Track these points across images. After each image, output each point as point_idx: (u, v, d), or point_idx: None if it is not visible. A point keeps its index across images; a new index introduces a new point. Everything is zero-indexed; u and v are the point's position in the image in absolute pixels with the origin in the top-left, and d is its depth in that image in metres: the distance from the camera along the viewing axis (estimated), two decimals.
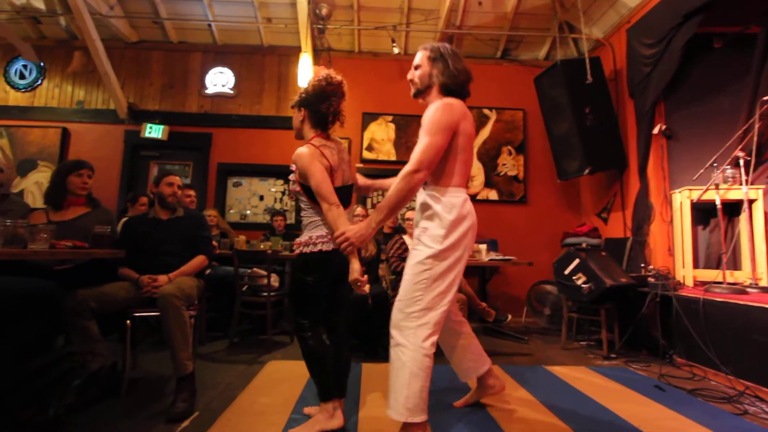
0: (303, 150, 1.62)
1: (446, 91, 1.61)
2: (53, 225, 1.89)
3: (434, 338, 1.48)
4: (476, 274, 4.08)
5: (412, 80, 1.70)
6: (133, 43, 4.86)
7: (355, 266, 1.51)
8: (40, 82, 4.82)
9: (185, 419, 1.71)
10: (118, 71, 4.64)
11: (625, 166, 4.03)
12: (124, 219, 2.76)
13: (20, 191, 4.57)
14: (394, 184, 1.51)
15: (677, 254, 3.25)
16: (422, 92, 1.68)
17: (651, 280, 2.97)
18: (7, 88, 4.81)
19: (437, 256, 1.49)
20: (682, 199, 3.20)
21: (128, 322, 2.04)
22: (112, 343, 2.30)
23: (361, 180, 1.92)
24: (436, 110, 1.53)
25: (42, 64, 4.80)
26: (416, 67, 1.68)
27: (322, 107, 1.70)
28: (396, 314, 1.52)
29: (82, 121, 4.76)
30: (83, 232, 2.04)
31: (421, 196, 1.62)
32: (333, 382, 1.65)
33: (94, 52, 4.23)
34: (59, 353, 1.68)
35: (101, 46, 4.27)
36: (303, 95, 1.75)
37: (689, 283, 3.04)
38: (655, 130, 3.59)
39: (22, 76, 4.83)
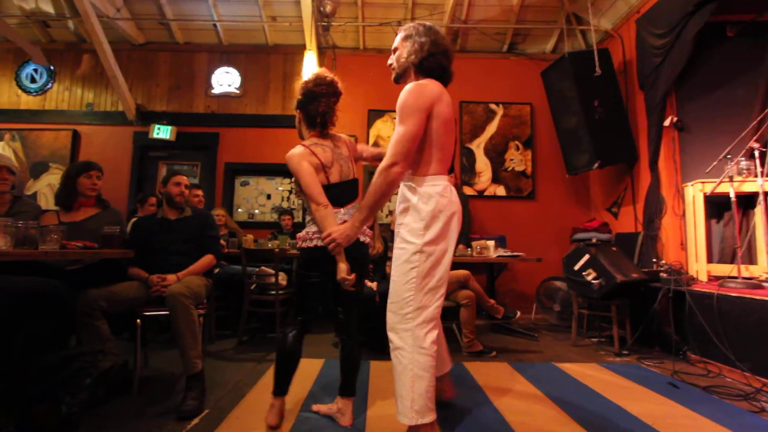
0: (292, 152, 1.66)
1: (423, 71, 1.52)
2: (63, 226, 1.91)
3: (433, 335, 1.44)
4: (484, 270, 4.05)
5: (390, 65, 1.63)
6: (140, 45, 4.90)
7: (342, 266, 1.54)
8: (50, 85, 4.89)
9: (195, 417, 1.73)
10: (125, 73, 4.69)
11: (636, 159, 3.96)
12: (134, 219, 2.79)
13: (33, 193, 4.65)
14: (372, 181, 1.46)
15: (690, 248, 3.18)
16: (401, 76, 1.59)
17: (663, 275, 2.92)
18: (19, 91, 4.89)
19: (421, 252, 1.43)
20: (695, 192, 3.14)
21: (138, 321, 2.06)
22: (123, 342, 2.34)
23: (367, 151, 1.91)
24: (406, 93, 1.44)
25: (52, 67, 4.87)
26: (394, 50, 1.62)
27: (311, 108, 1.71)
28: (390, 317, 1.48)
29: (92, 123, 4.82)
30: (93, 232, 2.07)
31: (400, 188, 1.56)
32: (289, 382, 1.71)
33: (102, 54, 4.28)
34: (71, 352, 1.70)
35: (109, 49, 4.31)
36: (298, 97, 1.77)
37: (703, 278, 2.98)
38: (666, 122, 3.52)
39: (33, 80, 4.90)
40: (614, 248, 3.26)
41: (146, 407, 1.83)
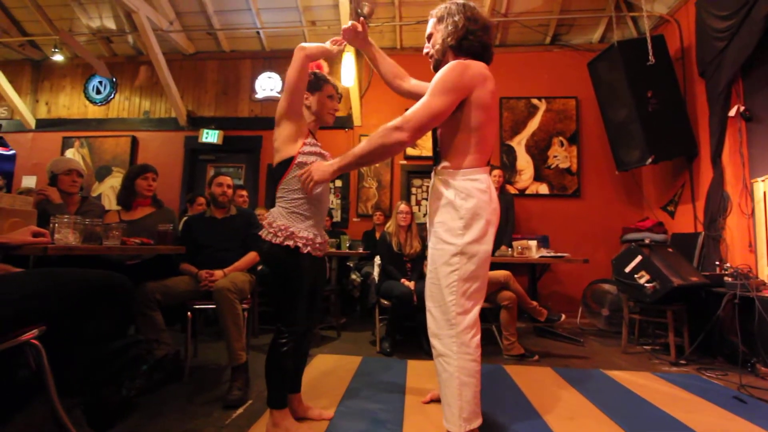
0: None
1: (463, 52, 1.41)
2: (124, 224, 2.08)
3: (477, 338, 1.36)
4: (526, 272, 3.91)
5: (428, 53, 1.52)
6: (191, 55, 5.21)
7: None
8: (113, 96, 5.33)
9: (240, 406, 1.80)
10: (177, 82, 5.00)
11: (696, 153, 3.66)
12: (185, 218, 2.97)
13: (98, 195, 5.08)
14: (370, 135, 1.35)
15: (760, 251, 2.89)
16: (441, 62, 1.45)
17: (728, 279, 2.67)
18: (87, 102, 5.37)
19: (462, 253, 1.33)
20: (766, 188, 2.85)
21: (189, 313, 2.19)
22: (175, 333, 2.49)
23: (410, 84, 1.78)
24: (448, 68, 1.33)
25: (114, 79, 5.30)
26: (428, 37, 1.52)
27: (325, 103, 1.70)
28: (432, 322, 1.40)
29: (148, 129, 5.20)
30: (149, 230, 2.23)
31: (433, 182, 1.45)
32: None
33: (157, 65, 4.59)
34: (130, 340, 1.84)
35: (163, 60, 4.62)
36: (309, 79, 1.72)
37: None
38: (732, 112, 3.22)
39: (98, 92, 5.37)
40: (670, 249, 3.03)
41: (195, 395, 1.94)
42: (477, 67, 1.37)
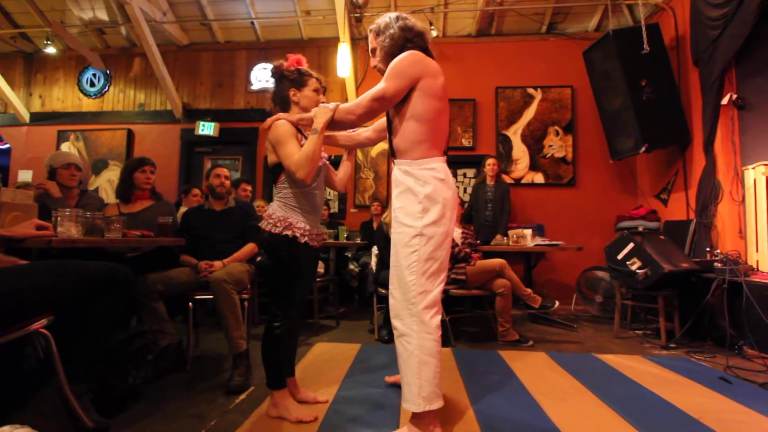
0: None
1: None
2: (124, 216, 2.11)
3: (438, 318, 1.41)
4: (521, 260, 3.98)
5: (375, 66, 1.61)
6: (185, 46, 5.17)
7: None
8: (107, 88, 5.30)
9: (242, 392, 1.86)
10: (172, 74, 4.98)
11: (689, 141, 3.70)
12: (184, 209, 2.99)
13: (95, 188, 5.09)
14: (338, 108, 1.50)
15: (750, 237, 2.96)
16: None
17: (718, 265, 2.73)
18: (81, 95, 5.33)
19: (421, 235, 1.39)
20: (757, 175, 2.90)
21: (190, 304, 2.23)
22: (177, 323, 2.54)
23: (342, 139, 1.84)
24: (401, 57, 1.43)
25: (108, 71, 5.26)
26: (372, 51, 1.60)
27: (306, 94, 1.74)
28: (393, 304, 1.45)
29: (144, 122, 5.18)
30: (148, 222, 2.26)
31: (394, 172, 1.53)
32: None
33: (151, 57, 4.56)
34: (135, 330, 1.89)
35: (157, 51, 4.59)
36: (294, 77, 1.75)
37: (764, 268, 2.76)
38: (725, 101, 3.25)
39: (92, 84, 5.33)
40: (662, 237, 3.09)
41: (198, 383, 1.99)
42: (428, 60, 1.47)
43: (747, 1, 2.94)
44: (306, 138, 1.59)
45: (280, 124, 1.58)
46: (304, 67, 1.75)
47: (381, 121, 1.76)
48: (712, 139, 3.35)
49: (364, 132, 1.84)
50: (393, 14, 1.56)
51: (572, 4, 4.43)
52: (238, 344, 2.03)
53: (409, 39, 1.50)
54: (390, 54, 1.51)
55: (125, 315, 2.02)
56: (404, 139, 1.46)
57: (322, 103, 1.64)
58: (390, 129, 1.54)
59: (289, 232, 1.57)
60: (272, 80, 1.75)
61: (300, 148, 1.53)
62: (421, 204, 1.41)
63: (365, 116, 1.47)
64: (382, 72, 1.54)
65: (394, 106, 1.48)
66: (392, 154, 1.54)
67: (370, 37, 1.60)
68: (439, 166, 1.46)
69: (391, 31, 1.51)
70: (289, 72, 1.70)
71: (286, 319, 1.60)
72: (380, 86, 1.42)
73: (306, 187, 1.62)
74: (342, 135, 1.81)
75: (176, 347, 2.18)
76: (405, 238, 1.42)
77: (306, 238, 1.61)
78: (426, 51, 1.52)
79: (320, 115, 1.51)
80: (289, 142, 1.54)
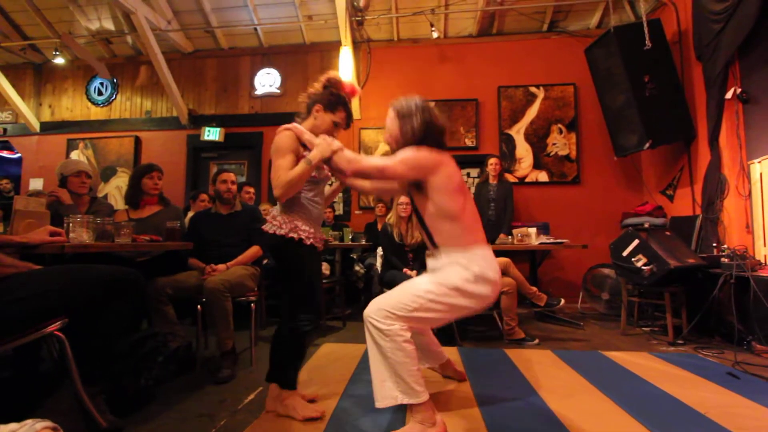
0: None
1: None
2: (133, 222, 2.15)
3: (409, 333, 1.44)
4: (527, 259, 3.97)
5: (386, 141, 1.65)
6: (190, 54, 5.25)
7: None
8: (114, 96, 5.39)
9: (229, 381, 2.02)
10: (178, 81, 5.05)
11: (693, 136, 3.68)
12: (191, 214, 3.05)
13: (104, 195, 5.17)
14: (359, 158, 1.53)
15: (757, 231, 2.94)
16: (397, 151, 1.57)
17: (725, 260, 2.71)
18: (89, 104, 5.44)
19: (458, 289, 1.43)
20: (763, 169, 2.89)
21: (199, 307, 2.27)
22: (186, 326, 2.59)
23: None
24: (418, 153, 1.47)
25: (115, 80, 5.35)
26: (388, 128, 1.63)
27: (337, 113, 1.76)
28: (374, 309, 1.46)
29: (151, 129, 5.26)
30: (157, 227, 2.31)
31: (438, 261, 1.53)
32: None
33: (156, 65, 4.64)
34: (146, 333, 1.93)
35: (162, 59, 4.66)
36: (325, 95, 1.75)
37: None
38: (729, 95, 3.23)
39: (99, 93, 5.43)
40: (668, 232, 3.08)
41: (207, 383, 2.03)
42: (445, 159, 1.50)
43: None
44: (308, 151, 1.61)
45: (285, 136, 1.61)
46: (353, 99, 1.76)
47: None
48: (717, 133, 3.33)
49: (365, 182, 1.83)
50: (418, 102, 1.56)
51: (573, 2, 4.43)
52: (225, 344, 2.16)
53: (428, 136, 1.53)
54: (405, 141, 1.54)
55: (136, 318, 2.07)
56: (443, 237, 1.50)
57: (332, 137, 1.65)
58: (424, 227, 1.56)
59: (294, 235, 1.61)
60: (322, 85, 1.74)
61: (292, 164, 1.56)
62: (474, 276, 1.43)
63: (360, 174, 1.53)
64: (392, 148, 1.60)
65: (418, 204, 1.53)
66: (433, 245, 1.56)
67: (391, 113, 1.61)
68: (484, 252, 1.49)
69: (414, 122, 1.52)
70: (334, 91, 1.72)
71: (312, 318, 1.65)
72: (389, 162, 1.46)
73: (309, 194, 1.66)
74: (368, 186, 1.79)
75: (186, 349, 2.23)
76: (445, 277, 1.45)
77: (311, 240, 1.65)
78: (441, 145, 1.55)
79: (321, 149, 1.54)
80: (284, 156, 1.57)
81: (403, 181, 1.53)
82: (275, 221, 1.65)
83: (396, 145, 1.59)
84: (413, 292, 1.47)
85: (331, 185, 1.88)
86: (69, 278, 1.34)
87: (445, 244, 1.51)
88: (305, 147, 1.65)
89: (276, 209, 1.70)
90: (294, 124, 1.67)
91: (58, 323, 1.28)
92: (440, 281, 1.46)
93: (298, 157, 1.60)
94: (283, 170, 1.54)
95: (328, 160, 1.56)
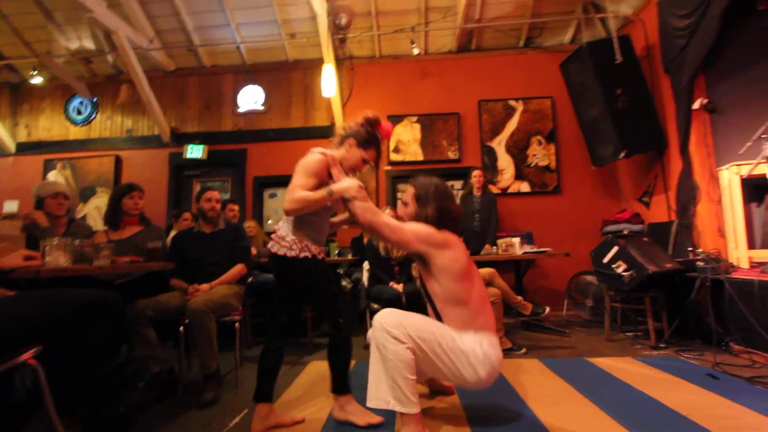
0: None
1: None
2: (113, 243, 2.11)
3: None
4: (511, 268, 4.02)
5: (401, 214, 1.74)
6: (172, 72, 5.24)
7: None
8: (94, 115, 5.32)
9: (213, 404, 1.99)
10: (159, 99, 5.02)
11: (665, 145, 3.83)
12: (173, 233, 3.00)
13: (83, 216, 5.05)
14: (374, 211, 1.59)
15: (729, 235, 3.05)
16: None
17: (700, 264, 2.81)
18: (68, 124, 5.34)
19: (464, 353, 1.49)
20: (731, 175, 3.01)
21: (182, 328, 2.22)
22: (168, 348, 2.52)
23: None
24: (434, 233, 1.57)
25: (95, 99, 5.29)
26: (404, 203, 1.73)
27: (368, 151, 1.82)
28: (390, 318, 1.52)
29: (132, 147, 5.19)
30: (138, 248, 2.27)
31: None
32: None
33: (138, 83, 4.61)
34: (125, 357, 1.87)
35: (144, 78, 4.64)
36: (360, 132, 1.80)
37: (744, 264, 2.84)
38: (696, 105, 3.39)
39: (79, 112, 5.35)
40: (646, 239, 3.17)
41: (191, 407, 1.97)
42: (455, 245, 1.59)
43: (710, 12, 3.10)
44: (332, 181, 1.66)
45: (318, 160, 1.64)
46: (387, 139, 1.82)
47: None
48: (687, 142, 3.48)
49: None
50: (438, 185, 1.66)
51: (547, 19, 4.61)
52: (208, 365, 2.10)
53: (441, 220, 1.61)
54: (420, 220, 1.63)
55: (116, 342, 2.00)
56: (455, 322, 1.56)
57: (358, 171, 1.76)
58: (434, 309, 1.63)
59: (307, 254, 1.66)
60: (363, 122, 1.78)
61: (311, 188, 1.59)
62: (482, 354, 1.50)
63: (370, 227, 1.57)
64: (403, 219, 1.71)
65: (426, 283, 1.62)
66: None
67: (410, 190, 1.70)
68: (494, 341, 1.55)
69: (430, 208, 1.62)
70: (370, 130, 1.76)
71: (347, 324, 1.73)
72: (402, 227, 1.57)
73: (315, 217, 1.70)
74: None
75: (168, 373, 2.17)
76: (458, 341, 1.51)
77: (322, 255, 1.74)
78: (455, 230, 1.64)
79: (346, 188, 1.59)
80: (306, 177, 1.61)
81: (409, 249, 1.60)
82: (284, 242, 1.66)
83: (408, 220, 1.69)
84: (433, 328, 1.53)
85: (334, 215, 1.92)
86: (44, 303, 1.30)
87: (456, 329, 1.55)
88: (330, 176, 1.69)
89: (284, 228, 1.71)
90: (330, 152, 1.70)
91: (32, 351, 1.24)
92: (456, 341, 1.51)
93: (320, 184, 1.64)
94: (302, 188, 1.58)
95: (347, 200, 1.60)
